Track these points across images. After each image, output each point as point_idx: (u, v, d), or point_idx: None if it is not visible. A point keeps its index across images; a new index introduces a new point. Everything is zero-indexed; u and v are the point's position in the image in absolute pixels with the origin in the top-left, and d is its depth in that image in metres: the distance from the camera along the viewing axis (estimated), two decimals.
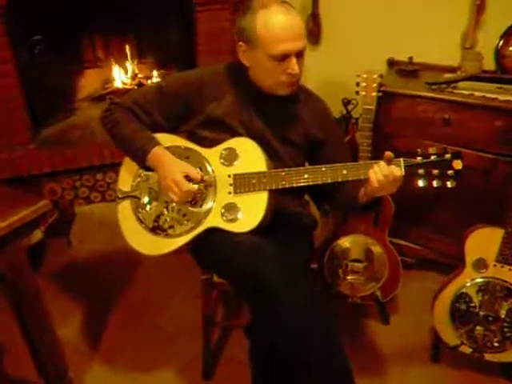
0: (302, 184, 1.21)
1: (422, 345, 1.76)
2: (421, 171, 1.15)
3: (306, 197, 1.56)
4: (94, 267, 2.17)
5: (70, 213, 2.33)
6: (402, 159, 1.15)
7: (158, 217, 1.31)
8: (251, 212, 1.22)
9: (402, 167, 1.14)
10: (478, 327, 1.56)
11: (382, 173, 1.11)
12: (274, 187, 1.22)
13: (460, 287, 1.57)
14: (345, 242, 1.77)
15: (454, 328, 1.60)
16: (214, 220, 1.25)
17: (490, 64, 1.92)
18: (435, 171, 1.15)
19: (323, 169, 1.20)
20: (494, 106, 1.64)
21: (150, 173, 1.34)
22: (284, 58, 1.19)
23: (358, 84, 1.72)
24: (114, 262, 2.16)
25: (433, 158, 1.15)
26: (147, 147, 1.28)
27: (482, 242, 1.55)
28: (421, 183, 1.16)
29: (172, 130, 1.38)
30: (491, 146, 1.70)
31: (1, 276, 1.24)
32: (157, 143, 1.30)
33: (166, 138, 1.35)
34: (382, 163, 1.13)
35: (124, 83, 2.61)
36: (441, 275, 2.03)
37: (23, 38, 2.18)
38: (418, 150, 1.16)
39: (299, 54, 1.21)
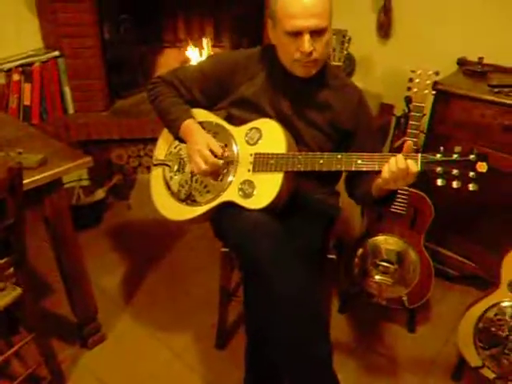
0: (316, 169, 1.21)
1: (446, 361, 1.67)
2: (439, 169, 1.09)
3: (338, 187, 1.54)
4: (146, 230, 2.35)
5: (133, 178, 2.54)
6: (419, 155, 1.10)
7: (183, 186, 1.40)
8: (265, 191, 1.26)
9: (419, 163, 1.09)
10: (505, 351, 1.45)
11: (398, 165, 1.08)
12: (289, 169, 1.24)
13: (490, 306, 1.46)
14: (378, 240, 1.73)
15: (478, 348, 1.49)
16: (231, 194, 1.30)
17: None
18: (455, 171, 1.08)
19: (339, 156, 1.19)
20: None
21: (182, 144, 1.43)
22: (297, 34, 1.19)
23: (410, 80, 1.66)
24: (164, 228, 2.31)
25: (455, 156, 1.08)
26: (180, 119, 1.37)
27: None
28: (439, 182, 1.10)
29: (209, 106, 1.45)
30: None
31: (46, 219, 1.41)
32: (190, 116, 1.39)
33: (201, 113, 1.43)
34: (400, 156, 1.09)
35: None
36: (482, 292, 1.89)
37: (111, 15, 2.40)
38: (441, 147, 1.10)
39: (317, 33, 1.19)
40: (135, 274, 2.05)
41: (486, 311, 1.47)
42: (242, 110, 1.37)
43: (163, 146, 1.48)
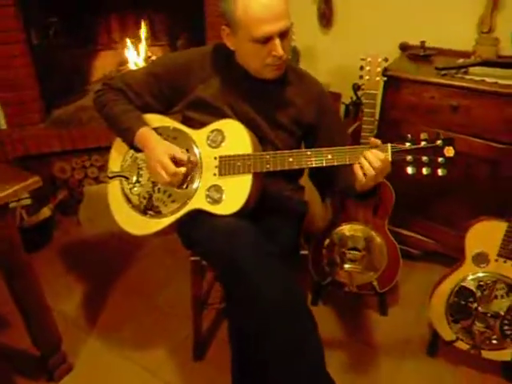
0: (286, 168, 1.18)
1: (420, 338, 1.71)
2: (409, 158, 1.09)
3: (302, 182, 1.53)
4: (99, 245, 2.22)
5: (80, 192, 2.38)
6: (389, 145, 1.10)
7: (145, 197, 1.31)
8: (235, 195, 1.21)
9: (389, 153, 1.10)
10: (476, 323, 1.51)
11: (379, 158, 1.07)
12: (258, 170, 1.20)
13: (459, 281, 1.51)
14: (344, 229, 1.74)
15: (450, 323, 1.54)
16: (199, 202, 1.24)
17: (507, 49, 1.81)
18: (424, 158, 1.09)
19: (308, 153, 1.16)
20: (505, 92, 1.55)
21: (138, 154, 1.34)
22: (267, 40, 1.15)
23: (361, 68, 1.67)
24: (120, 241, 2.20)
25: (423, 144, 1.09)
26: (134, 127, 1.28)
27: (484, 235, 1.48)
28: (410, 170, 1.10)
29: (163, 111, 1.37)
30: (501, 135, 1.62)
31: None
32: (144, 123, 1.30)
33: (155, 119, 1.35)
34: (374, 150, 1.08)
35: (138, 65, 2.63)
36: (446, 268, 1.96)
37: (38, 19, 2.22)
38: (408, 135, 1.11)
39: (283, 35, 1.16)
40: (96, 293, 1.93)
41: (454, 287, 1.52)
42: (199, 113, 1.31)
43: (117, 157, 1.38)
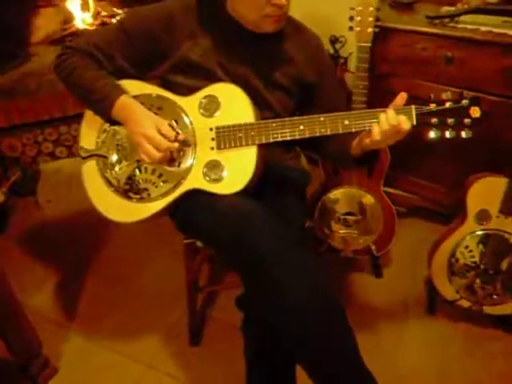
0: (297, 137, 1.04)
1: (417, 297, 1.70)
2: (434, 120, 0.98)
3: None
4: (65, 228, 2.01)
5: (35, 170, 2.13)
6: (413, 106, 0.98)
7: (130, 178, 1.13)
8: (238, 170, 1.06)
9: (414, 116, 0.98)
10: (477, 280, 1.50)
11: (389, 122, 0.95)
12: (264, 141, 1.05)
13: (461, 239, 1.48)
14: (337, 194, 1.65)
15: (452, 281, 1.53)
16: (196, 181, 1.08)
17: None
18: (450, 120, 0.99)
19: (321, 119, 1.03)
20: (503, 42, 1.47)
21: (117, 127, 1.15)
22: None
23: (351, 18, 1.52)
24: (88, 221, 1.99)
25: (448, 104, 0.99)
26: (111, 97, 1.08)
27: (485, 192, 1.44)
28: (432, 134, 1.00)
29: (139, 76, 1.17)
30: (496, 86, 1.55)
31: None
32: (123, 92, 1.10)
33: (133, 86, 1.14)
34: (391, 112, 0.97)
35: (86, 23, 2.32)
36: (432, 223, 1.96)
37: None
38: (431, 95, 1.00)
39: None
40: (69, 282, 1.75)
41: (457, 245, 1.49)
42: (185, 76, 1.12)
43: (91, 133, 1.18)
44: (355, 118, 1.01)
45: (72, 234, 1.98)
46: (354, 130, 1.01)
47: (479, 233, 1.46)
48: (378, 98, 1.62)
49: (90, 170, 1.17)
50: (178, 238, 1.33)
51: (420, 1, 1.79)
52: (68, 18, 2.31)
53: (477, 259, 1.48)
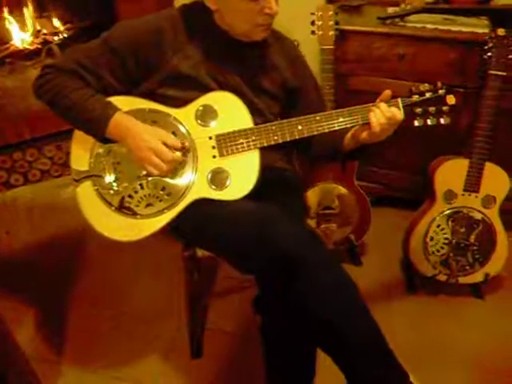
0: (297, 137, 1.09)
1: (396, 278, 1.81)
2: (418, 110, 1.09)
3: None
4: (33, 259, 1.90)
5: None
6: (399, 99, 1.08)
7: (131, 196, 1.12)
8: (243, 175, 1.09)
9: (401, 108, 1.07)
10: (451, 254, 1.64)
11: (385, 115, 1.04)
12: (265, 144, 1.09)
13: (432, 219, 1.61)
14: (317, 190, 1.72)
15: (429, 259, 1.65)
16: (201, 190, 1.10)
17: None
18: (431, 108, 1.10)
19: (317, 118, 1.09)
20: (448, 37, 1.63)
21: (110, 144, 1.13)
22: None
23: (313, 23, 1.61)
24: (56, 248, 1.91)
25: (428, 95, 1.09)
26: (106, 115, 1.06)
27: (450, 174, 1.59)
28: (417, 123, 1.11)
29: (125, 92, 1.15)
30: (445, 78, 1.69)
31: None
32: (116, 109, 1.09)
33: (123, 102, 1.13)
34: (383, 105, 1.05)
35: (26, 43, 2.21)
36: (399, 210, 2.09)
37: None
38: (412, 87, 1.10)
39: None
40: (48, 318, 1.64)
41: (429, 226, 1.62)
42: (178, 89, 1.13)
43: (82, 154, 1.14)
44: (349, 115, 1.08)
45: (42, 263, 1.87)
46: (349, 126, 1.08)
47: (448, 211, 1.60)
48: (342, 97, 1.74)
49: (85, 193, 1.13)
50: (158, 254, 1.32)
51: (367, 3, 1.92)
52: (4, 38, 2.19)
53: (449, 235, 1.62)
